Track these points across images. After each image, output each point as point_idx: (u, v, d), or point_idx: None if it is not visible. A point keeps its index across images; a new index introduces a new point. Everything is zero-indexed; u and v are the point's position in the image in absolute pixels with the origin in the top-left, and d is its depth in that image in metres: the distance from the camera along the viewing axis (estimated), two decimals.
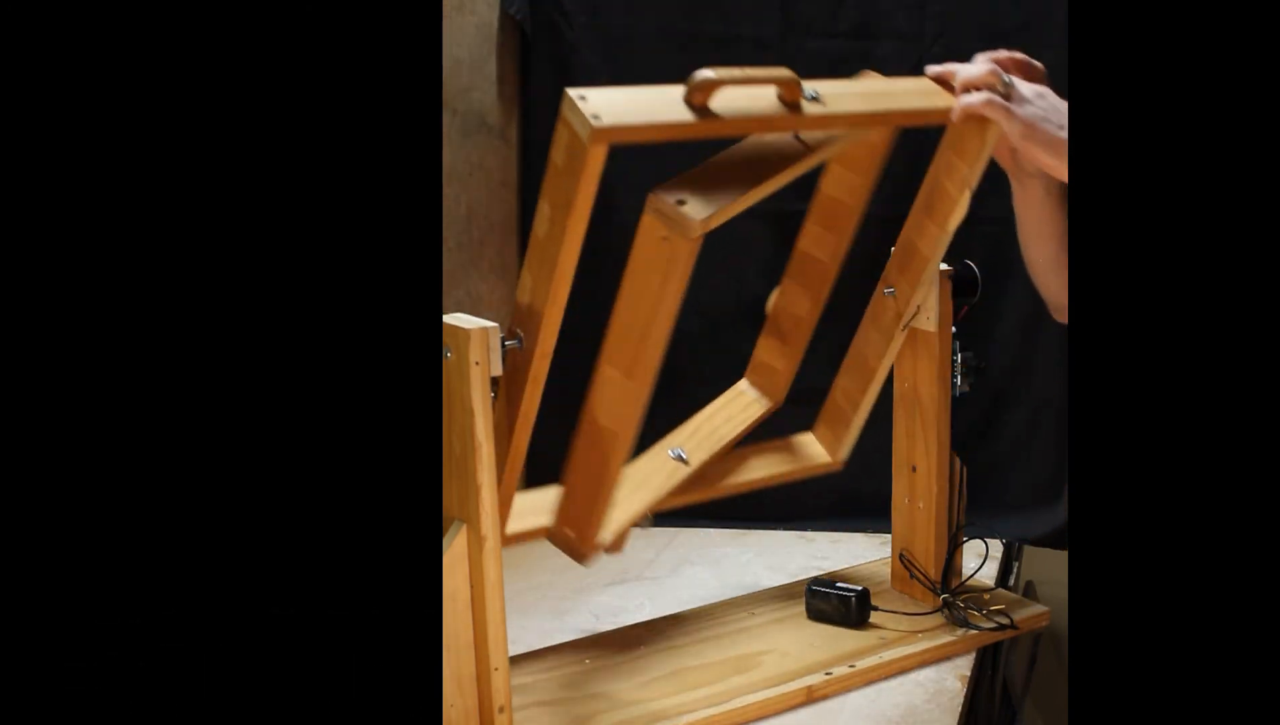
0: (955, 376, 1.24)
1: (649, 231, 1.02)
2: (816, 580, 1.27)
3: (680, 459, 1.22)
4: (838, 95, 1.01)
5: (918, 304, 1.20)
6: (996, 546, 1.41)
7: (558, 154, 0.94)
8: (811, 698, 1.11)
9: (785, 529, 1.63)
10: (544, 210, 0.96)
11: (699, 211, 0.98)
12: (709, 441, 1.27)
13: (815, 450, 1.31)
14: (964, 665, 1.18)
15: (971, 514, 1.29)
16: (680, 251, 0.99)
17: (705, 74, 0.92)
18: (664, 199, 1.00)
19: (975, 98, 1.04)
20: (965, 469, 1.27)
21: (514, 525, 1.12)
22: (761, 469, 1.29)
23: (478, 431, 0.92)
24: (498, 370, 0.93)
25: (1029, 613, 1.27)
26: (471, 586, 0.96)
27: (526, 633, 1.26)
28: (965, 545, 1.30)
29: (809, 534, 1.60)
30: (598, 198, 1.63)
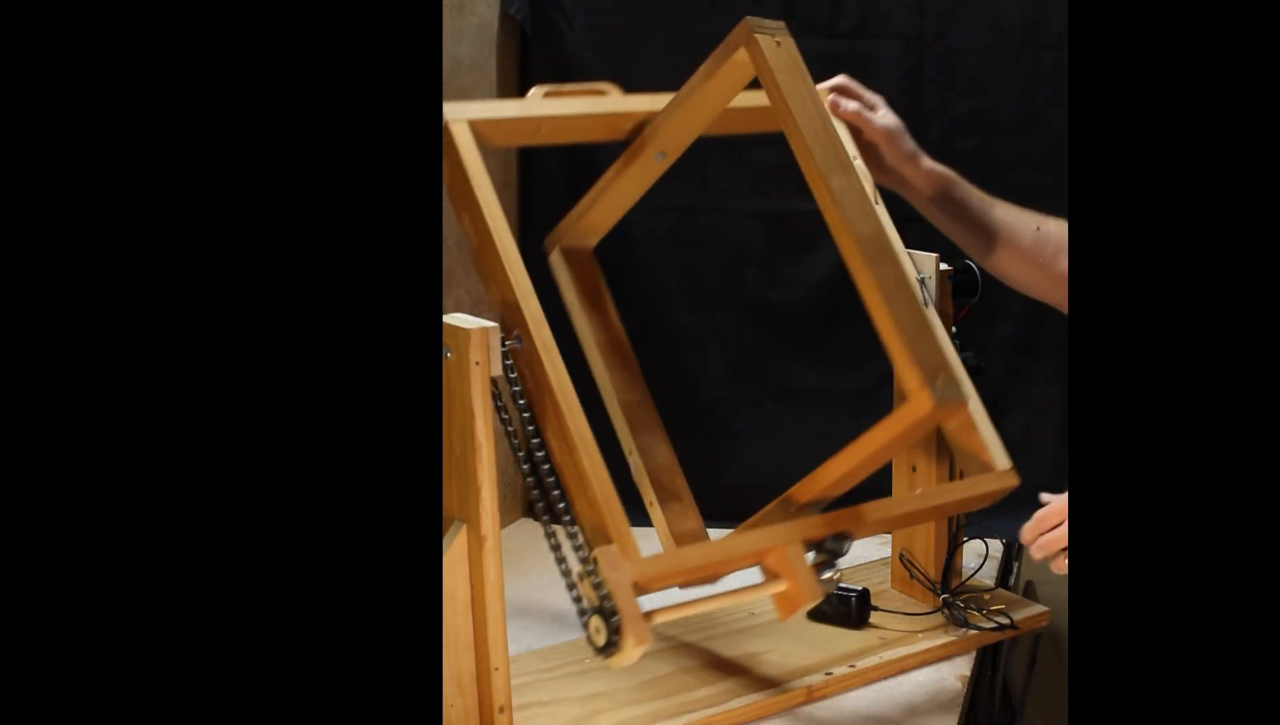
0: None
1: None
2: None
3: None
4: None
5: None
6: (996, 546, 1.41)
7: (448, 175, 0.98)
8: (811, 698, 1.11)
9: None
10: (465, 224, 0.99)
11: None
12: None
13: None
14: (964, 665, 1.18)
15: (971, 514, 1.29)
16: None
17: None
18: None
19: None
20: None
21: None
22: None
23: (478, 431, 0.92)
24: (498, 370, 0.93)
25: (1029, 613, 1.27)
26: (471, 586, 0.96)
27: (526, 633, 1.26)
28: (965, 545, 1.30)
29: None
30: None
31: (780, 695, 1.10)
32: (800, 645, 1.19)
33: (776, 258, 1.63)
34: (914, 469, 1.26)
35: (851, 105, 1.18)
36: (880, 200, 1.10)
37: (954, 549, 1.27)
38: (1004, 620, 1.23)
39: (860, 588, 1.23)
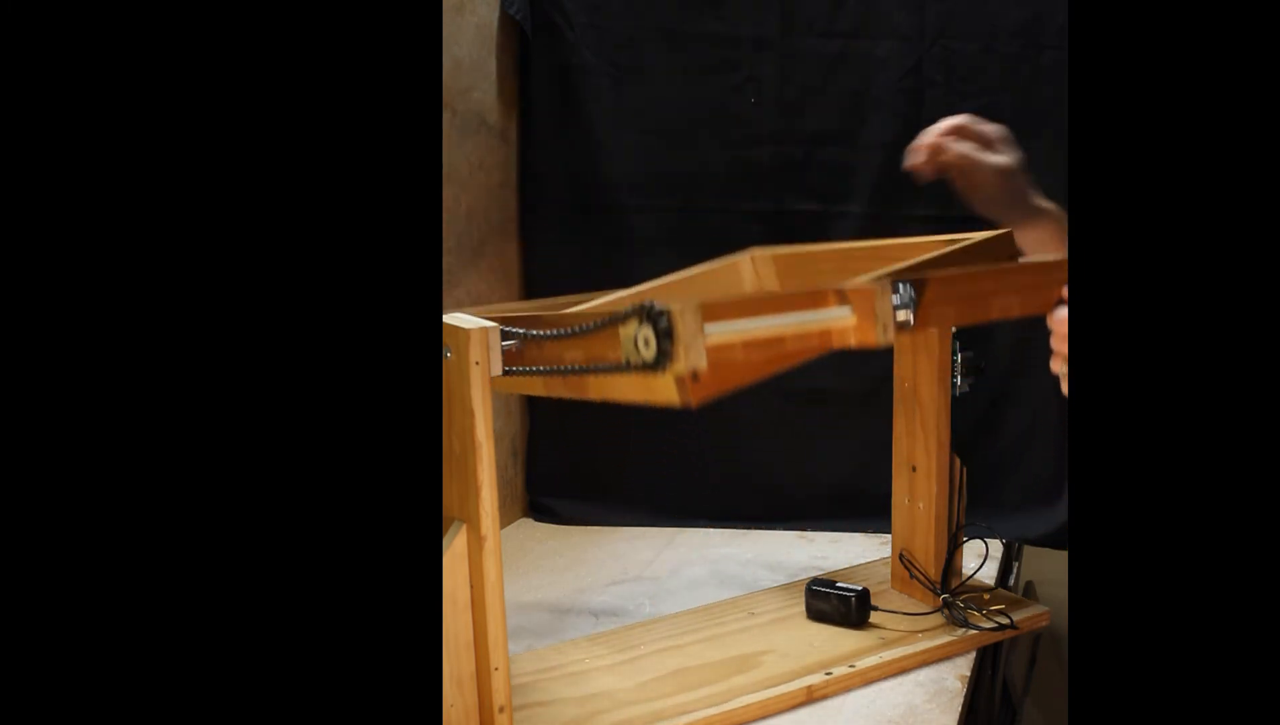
0: (955, 376, 1.24)
1: None
2: (816, 580, 1.27)
3: None
4: None
5: None
6: (996, 546, 1.41)
7: None
8: (811, 698, 1.11)
9: (785, 529, 1.63)
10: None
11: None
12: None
13: None
14: (964, 665, 1.18)
15: (971, 514, 1.29)
16: None
17: None
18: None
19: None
20: (965, 469, 1.27)
21: None
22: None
23: (478, 431, 0.92)
24: (498, 370, 0.94)
25: (1029, 613, 1.27)
26: (471, 586, 0.96)
27: (526, 633, 1.26)
28: (965, 545, 1.30)
29: (809, 534, 1.60)
30: (598, 197, 1.64)
31: (780, 695, 1.10)
32: (800, 645, 1.19)
33: None
34: (914, 469, 1.26)
35: (963, 147, 1.11)
36: None
37: (954, 549, 1.27)
38: (1004, 620, 1.23)
39: (860, 588, 1.23)
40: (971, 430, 1.56)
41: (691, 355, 0.76)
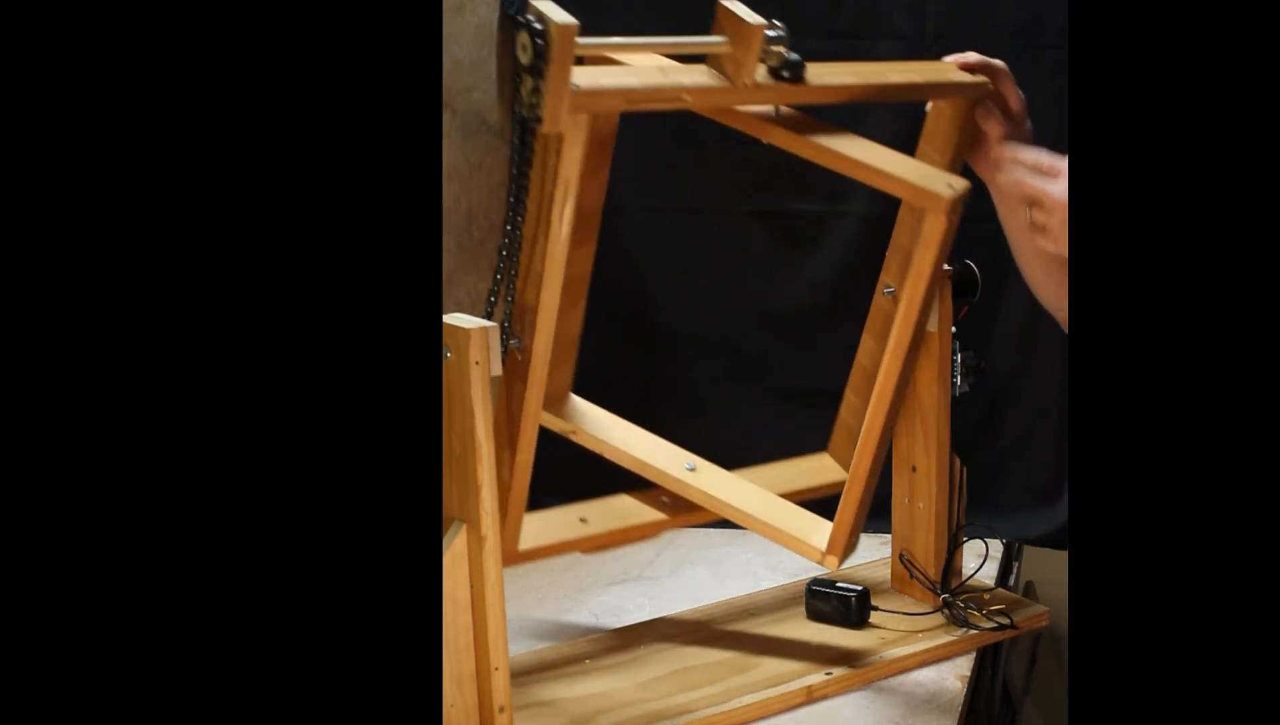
0: (955, 376, 1.24)
1: None
2: (816, 580, 1.27)
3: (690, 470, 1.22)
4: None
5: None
6: (996, 546, 1.41)
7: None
8: (811, 698, 1.11)
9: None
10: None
11: None
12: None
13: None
14: (964, 665, 1.18)
15: (971, 514, 1.29)
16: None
17: None
18: None
19: (1014, 171, 1.09)
20: (965, 469, 1.27)
21: (527, 542, 1.13)
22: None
23: (478, 431, 0.92)
24: (498, 370, 0.94)
25: (1029, 613, 1.27)
26: (471, 586, 0.96)
27: (526, 633, 1.26)
28: (965, 545, 1.30)
29: None
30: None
31: (780, 695, 1.10)
32: (800, 645, 1.19)
33: (776, 258, 1.63)
34: (914, 469, 1.26)
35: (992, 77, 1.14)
36: None
37: (954, 549, 1.27)
38: (1004, 620, 1.23)
39: (860, 588, 1.23)
40: (971, 430, 1.55)
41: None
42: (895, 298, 1.18)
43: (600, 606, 1.35)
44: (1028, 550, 1.64)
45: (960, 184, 1.05)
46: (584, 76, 0.93)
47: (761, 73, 1.01)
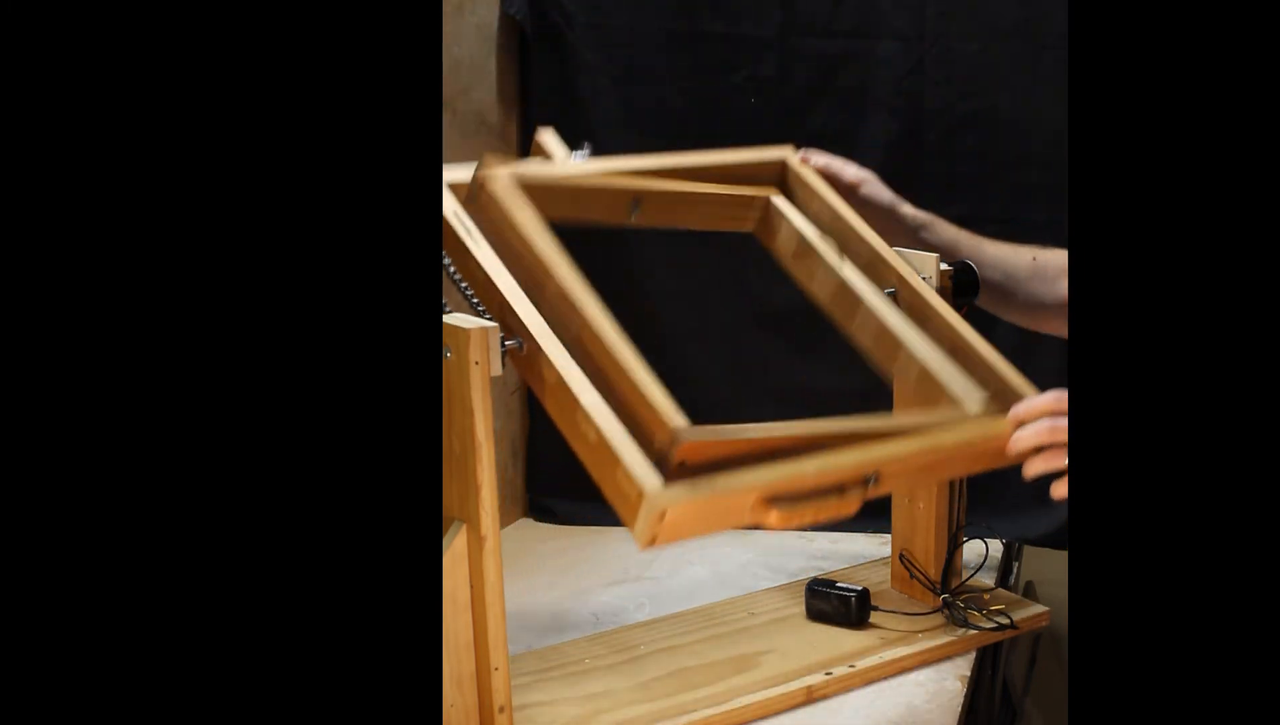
0: None
1: None
2: (816, 580, 1.27)
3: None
4: (893, 473, 0.95)
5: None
6: (996, 546, 1.41)
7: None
8: (811, 698, 1.11)
9: (785, 529, 1.62)
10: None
11: None
12: None
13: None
14: (964, 665, 1.18)
15: (971, 514, 1.29)
16: None
17: (779, 503, 0.88)
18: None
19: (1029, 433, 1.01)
20: None
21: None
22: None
23: (478, 431, 0.92)
24: (498, 370, 0.94)
25: (1029, 613, 1.27)
26: (471, 586, 0.96)
27: (526, 633, 1.26)
28: (965, 545, 1.30)
29: (809, 534, 1.60)
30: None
31: (780, 695, 1.10)
32: (800, 645, 1.19)
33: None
34: None
35: (820, 160, 1.23)
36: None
37: (954, 549, 1.27)
38: (1004, 620, 1.23)
39: (860, 587, 1.23)
40: None
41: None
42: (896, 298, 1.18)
43: (600, 606, 1.35)
44: (1028, 550, 1.64)
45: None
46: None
47: None
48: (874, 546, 1.51)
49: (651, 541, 0.85)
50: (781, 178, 1.22)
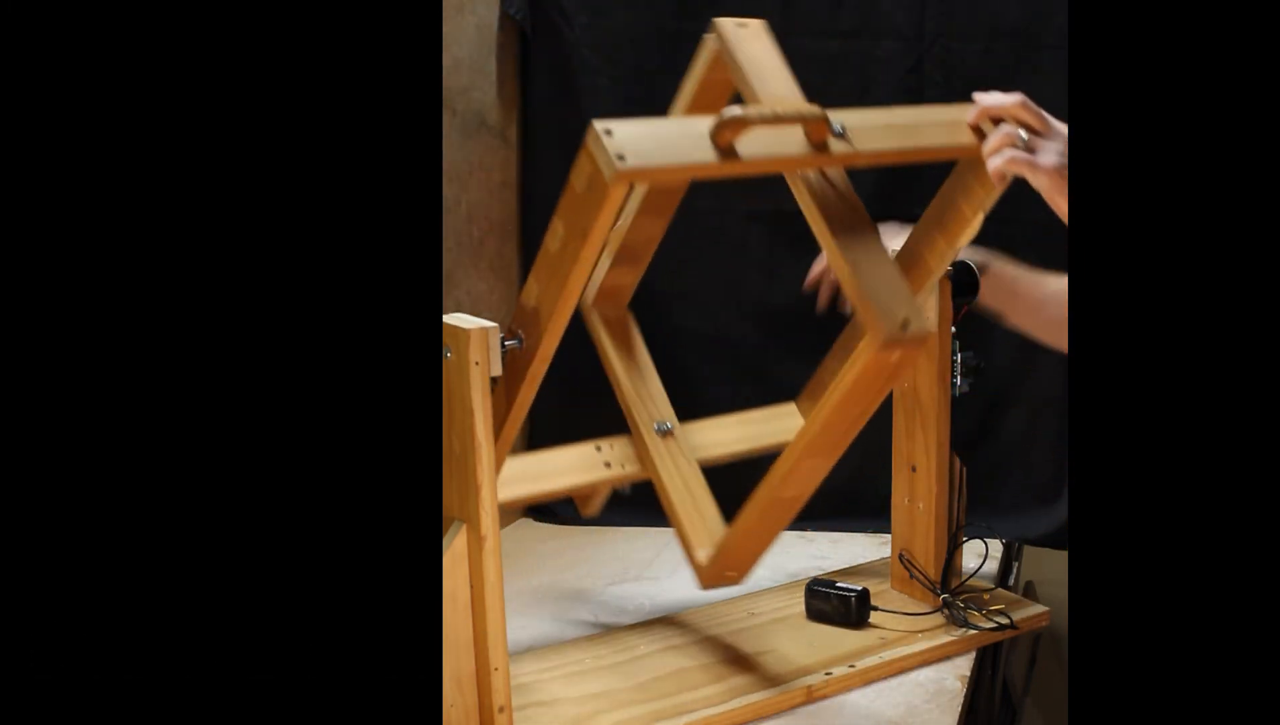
0: (955, 376, 1.24)
1: None
2: (816, 580, 1.27)
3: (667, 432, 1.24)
4: (864, 130, 0.99)
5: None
6: (996, 546, 1.41)
7: (578, 181, 0.91)
8: (811, 698, 1.11)
9: (785, 529, 1.63)
10: (557, 229, 0.95)
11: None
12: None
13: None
14: (964, 665, 1.18)
15: (971, 514, 1.29)
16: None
17: (733, 112, 0.89)
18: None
19: (998, 160, 1.04)
20: (965, 469, 1.27)
21: (504, 493, 1.12)
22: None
23: (478, 431, 0.92)
24: (498, 370, 0.94)
25: (1029, 613, 1.27)
26: (471, 586, 0.96)
27: (526, 633, 1.26)
28: (965, 545, 1.30)
29: (809, 534, 1.60)
30: None
31: (780, 695, 1.10)
32: (800, 645, 1.19)
33: (776, 258, 1.63)
34: (914, 469, 1.26)
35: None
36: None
37: (954, 549, 1.27)
38: (1004, 620, 1.23)
39: (860, 588, 1.23)
40: (971, 430, 1.55)
41: None
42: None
43: (600, 606, 1.35)
44: (1028, 550, 1.64)
45: (918, 327, 0.99)
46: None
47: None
48: (874, 546, 1.51)
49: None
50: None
